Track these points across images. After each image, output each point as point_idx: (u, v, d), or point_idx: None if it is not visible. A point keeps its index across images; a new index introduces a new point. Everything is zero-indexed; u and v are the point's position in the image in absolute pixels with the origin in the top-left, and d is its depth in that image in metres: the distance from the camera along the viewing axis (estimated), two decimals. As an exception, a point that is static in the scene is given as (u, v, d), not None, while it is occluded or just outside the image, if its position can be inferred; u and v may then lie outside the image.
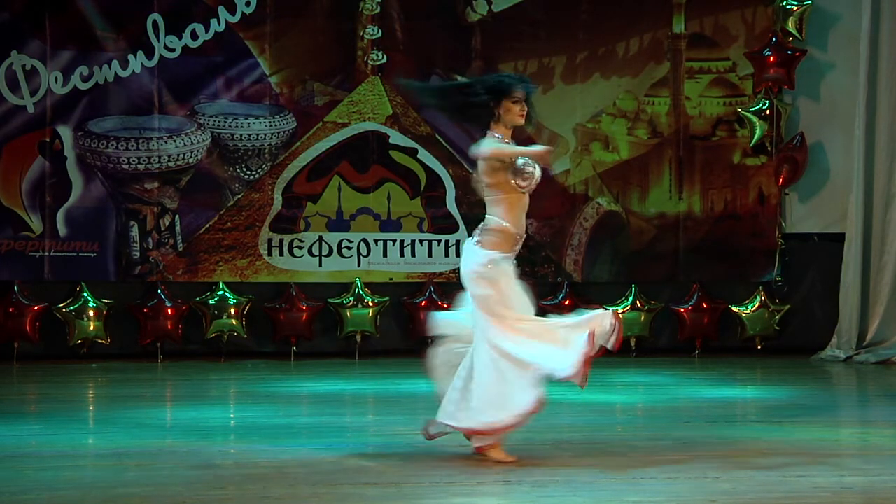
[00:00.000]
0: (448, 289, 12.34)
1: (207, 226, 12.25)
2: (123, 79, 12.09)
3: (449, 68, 12.46)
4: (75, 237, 12.06)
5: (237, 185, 12.28)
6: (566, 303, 12.24)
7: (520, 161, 6.85)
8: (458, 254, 12.30)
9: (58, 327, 12.08)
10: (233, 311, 12.19)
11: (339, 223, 12.39)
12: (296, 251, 12.34)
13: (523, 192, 6.88)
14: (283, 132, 12.32)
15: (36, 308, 12.00)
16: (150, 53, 12.11)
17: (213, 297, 12.19)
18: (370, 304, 12.30)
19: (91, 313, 12.06)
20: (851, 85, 12.49)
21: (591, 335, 6.69)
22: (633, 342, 12.55)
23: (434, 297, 12.29)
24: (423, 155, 12.39)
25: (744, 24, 12.78)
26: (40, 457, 7.12)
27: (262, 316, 12.35)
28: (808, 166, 12.74)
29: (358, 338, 12.31)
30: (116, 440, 7.69)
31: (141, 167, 12.12)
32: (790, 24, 12.64)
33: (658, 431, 8.03)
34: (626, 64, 12.67)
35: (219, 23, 12.18)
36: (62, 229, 12.03)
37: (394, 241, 12.42)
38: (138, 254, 12.16)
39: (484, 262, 6.83)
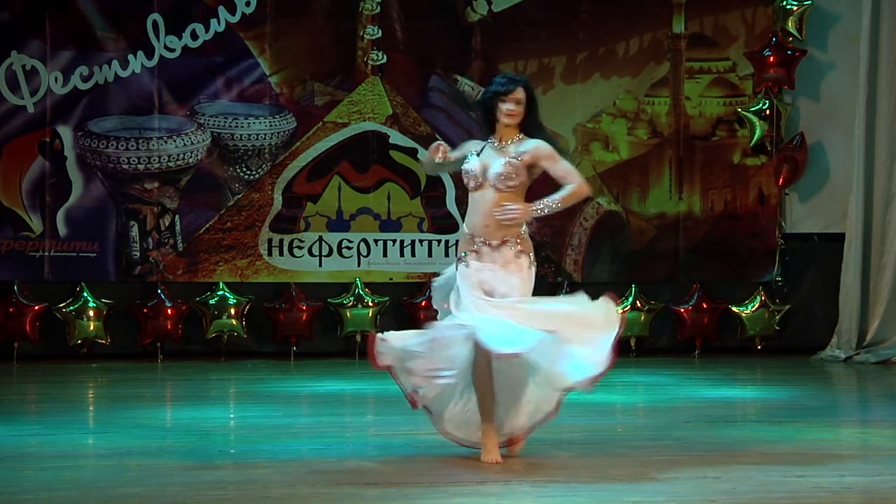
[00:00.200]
0: (448, 289, 12.36)
1: (207, 226, 12.25)
2: (123, 79, 12.09)
3: (449, 68, 12.46)
4: (75, 237, 12.06)
5: (237, 185, 12.28)
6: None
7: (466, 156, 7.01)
8: (457, 254, 12.30)
9: (58, 327, 12.08)
10: (233, 311, 12.20)
11: (339, 223, 12.40)
12: (296, 251, 12.35)
13: (472, 190, 6.96)
14: (283, 132, 12.32)
15: (36, 308, 12.01)
16: (150, 53, 12.11)
17: (213, 297, 12.19)
18: (370, 304, 12.30)
19: (91, 313, 12.06)
20: (851, 85, 12.50)
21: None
22: (633, 342, 12.56)
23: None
24: (423, 155, 12.37)
25: (744, 24, 12.78)
26: (40, 457, 7.12)
27: (262, 316, 12.36)
28: (808, 166, 12.74)
29: (358, 338, 12.31)
30: (116, 440, 7.69)
31: (141, 167, 12.12)
32: (790, 24, 12.65)
33: (658, 431, 8.03)
34: (626, 64, 12.67)
35: (219, 23, 12.18)
36: (62, 229, 12.03)
37: (394, 241, 12.43)
38: (138, 254, 12.16)
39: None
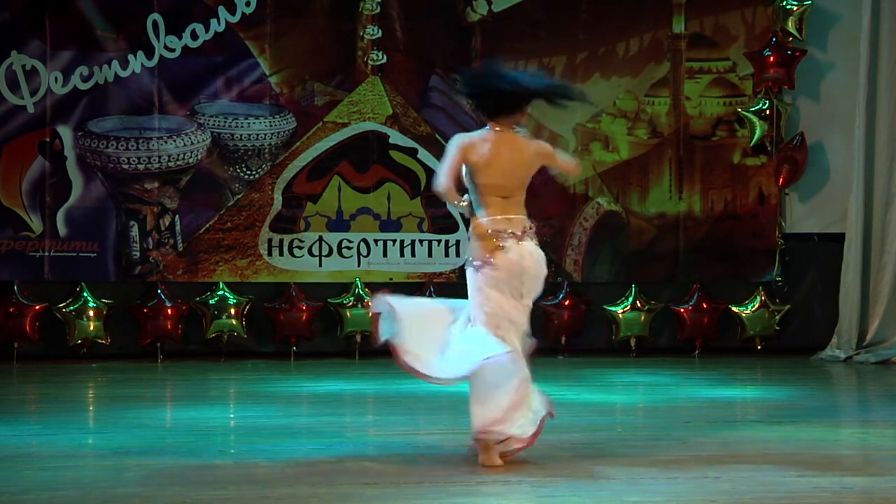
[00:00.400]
0: (448, 289, 12.34)
1: (207, 226, 12.25)
2: (123, 79, 12.09)
3: (449, 68, 12.46)
4: (75, 237, 12.06)
5: (237, 185, 12.28)
6: (566, 303, 12.26)
7: None
8: (457, 254, 12.33)
9: (58, 327, 12.08)
10: (233, 311, 12.19)
11: (339, 223, 12.39)
12: (296, 251, 12.35)
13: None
14: (283, 132, 12.32)
15: (36, 308, 12.00)
16: (150, 53, 12.11)
17: (213, 297, 12.19)
18: (370, 304, 12.29)
19: (91, 313, 12.06)
20: (851, 85, 12.49)
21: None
22: (633, 342, 12.57)
23: (434, 296, 12.28)
24: (423, 155, 12.39)
25: (744, 24, 12.78)
26: (40, 457, 7.12)
27: (262, 316, 12.36)
28: (808, 166, 12.74)
29: (358, 338, 12.30)
30: (116, 440, 7.68)
31: (141, 167, 12.12)
32: (790, 24, 12.64)
33: (658, 431, 8.02)
34: (626, 64, 12.67)
35: (219, 23, 12.18)
36: (62, 229, 12.03)
37: (394, 241, 12.43)
38: (138, 254, 12.16)
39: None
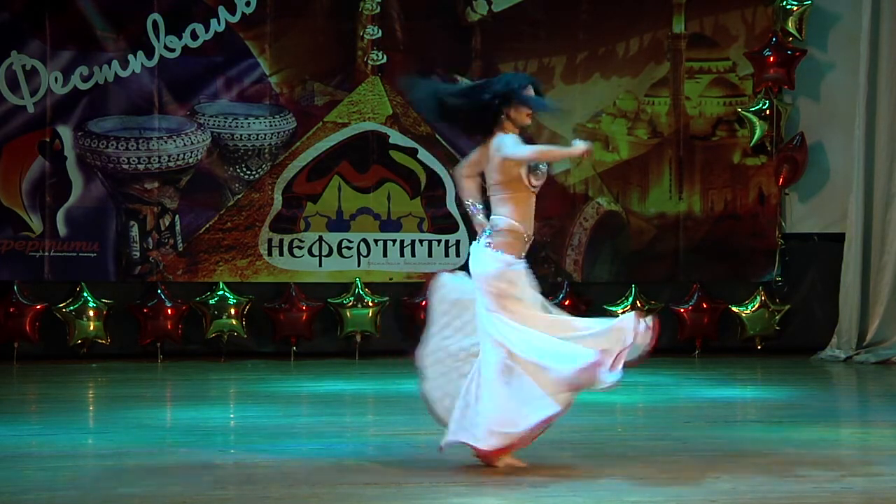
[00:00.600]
0: (448, 289, 12.35)
1: (207, 226, 12.25)
2: (123, 79, 12.09)
3: (449, 68, 12.46)
4: (75, 237, 12.06)
5: (237, 185, 12.28)
6: (566, 303, 12.25)
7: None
8: (457, 254, 12.33)
9: (58, 327, 12.08)
10: (233, 311, 12.19)
11: (339, 223, 12.39)
12: (296, 251, 12.34)
13: (534, 191, 6.73)
14: (283, 132, 12.32)
15: (36, 308, 12.00)
16: (150, 53, 12.11)
17: (213, 297, 12.19)
18: (370, 304, 12.30)
19: (91, 313, 12.06)
20: (851, 85, 12.49)
21: (614, 355, 6.62)
22: (633, 342, 12.55)
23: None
24: (423, 155, 12.39)
25: (744, 24, 12.78)
26: (40, 457, 7.12)
27: (262, 316, 12.36)
28: (808, 166, 12.74)
29: (358, 338, 12.31)
30: (116, 440, 7.69)
31: (141, 167, 12.12)
32: (790, 24, 12.64)
33: (658, 431, 8.03)
34: (626, 64, 12.67)
35: (219, 23, 12.18)
36: (62, 229, 12.03)
37: (394, 241, 12.43)
38: (138, 254, 12.16)
39: (501, 264, 6.64)
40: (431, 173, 12.43)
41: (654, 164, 12.73)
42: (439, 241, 12.45)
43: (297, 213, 12.34)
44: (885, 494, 6.16)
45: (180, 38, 12.14)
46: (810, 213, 12.93)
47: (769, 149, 12.74)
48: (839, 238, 12.58)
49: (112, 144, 12.08)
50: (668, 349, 12.70)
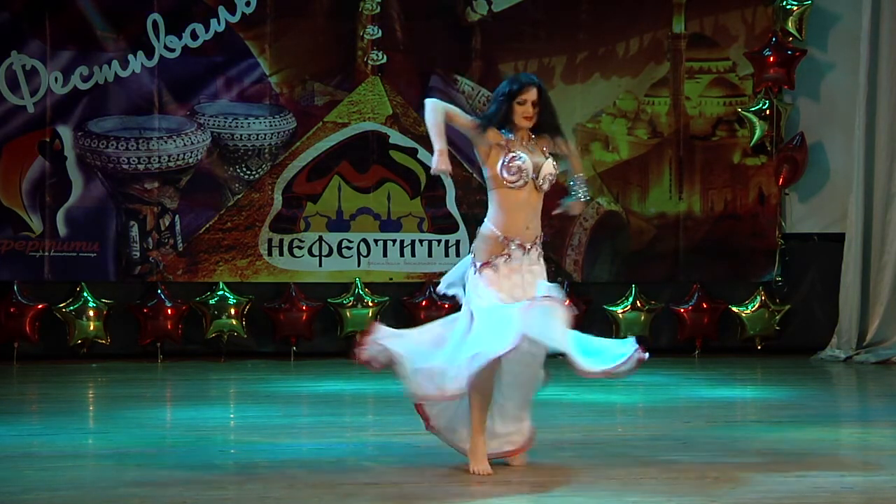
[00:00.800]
0: (448, 289, 12.35)
1: (207, 226, 12.25)
2: (123, 79, 12.10)
3: (449, 68, 12.47)
4: (75, 237, 12.06)
5: (237, 185, 12.29)
6: (566, 303, 12.22)
7: (511, 152, 6.65)
8: (457, 253, 12.35)
9: (58, 327, 12.08)
10: (233, 311, 12.20)
11: (339, 223, 12.40)
12: (296, 251, 12.35)
13: (511, 188, 6.60)
14: (283, 132, 12.32)
15: (36, 308, 12.00)
16: (150, 53, 12.11)
17: (213, 297, 12.20)
18: (370, 304, 12.30)
19: (91, 313, 12.06)
20: (851, 85, 12.50)
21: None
22: (633, 342, 12.56)
23: (434, 297, 12.29)
24: (423, 155, 12.39)
25: (744, 24, 12.78)
26: (41, 457, 7.12)
27: (262, 316, 12.36)
28: (808, 166, 12.75)
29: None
30: (116, 440, 7.68)
31: (141, 167, 12.12)
32: (790, 24, 12.65)
33: (658, 431, 8.02)
34: (626, 64, 12.67)
35: (219, 23, 12.18)
36: (62, 229, 12.03)
37: (394, 241, 12.43)
38: (138, 254, 12.16)
39: (472, 268, 6.62)
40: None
41: (654, 164, 12.74)
42: (439, 241, 12.45)
43: (297, 213, 12.34)
44: (885, 494, 6.16)
45: (180, 38, 12.15)
46: (810, 213, 12.94)
47: (769, 149, 12.74)
48: (839, 238, 12.58)
49: (112, 144, 12.08)
50: (668, 349, 12.73)
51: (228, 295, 12.19)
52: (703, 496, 6.07)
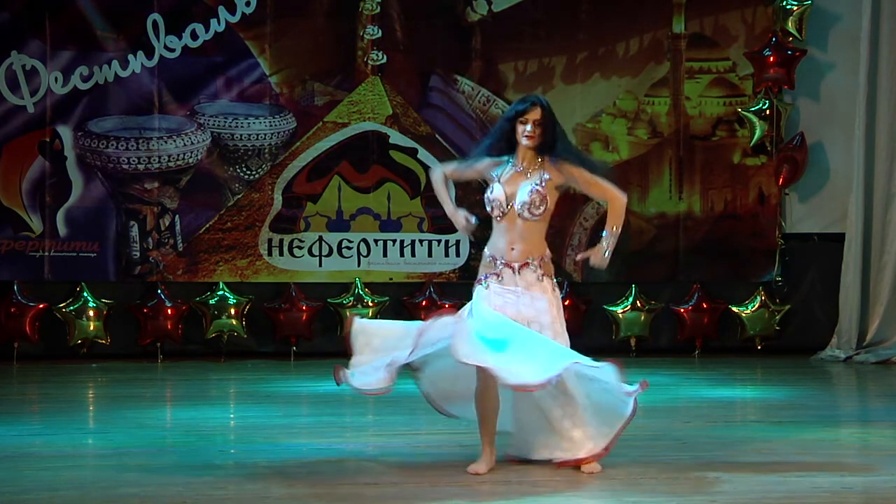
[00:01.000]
0: (448, 289, 12.36)
1: (207, 226, 12.25)
2: (123, 79, 12.09)
3: (449, 68, 12.47)
4: (75, 237, 12.06)
5: (237, 185, 12.29)
6: (566, 303, 12.24)
7: (490, 184, 6.85)
8: (457, 253, 12.37)
9: (58, 327, 12.08)
10: (233, 311, 12.20)
11: (339, 223, 12.40)
12: (296, 251, 12.35)
13: (496, 219, 6.80)
14: (283, 132, 12.32)
15: (36, 308, 12.00)
16: (150, 53, 12.11)
17: (213, 297, 12.20)
18: (370, 304, 12.30)
19: (91, 313, 12.06)
20: (851, 85, 12.49)
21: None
22: (633, 342, 12.57)
23: (434, 297, 12.30)
24: (423, 155, 12.39)
25: (744, 24, 12.78)
26: (41, 457, 7.12)
27: (262, 316, 12.36)
28: (808, 166, 12.74)
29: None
30: (116, 440, 7.69)
31: (141, 167, 12.12)
32: (790, 24, 12.65)
33: (658, 431, 8.02)
34: (626, 64, 12.67)
35: (219, 23, 12.18)
36: (62, 229, 12.03)
37: (394, 241, 12.43)
38: (138, 254, 12.16)
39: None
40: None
41: (654, 164, 12.74)
42: (439, 241, 12.45)
43: (297, 213, 12.34)
44: (885, 494, 6.16)
45: (180, 38, 12.15)
46: (810, 213, 12.93)
47: (769, 149, 12.74)
48: (839, 238, 12.58)
49: (112, 144, 12.08)
50: (668, 349, 12.73)
51: (228, 295, 12.20)
52: (703, 496, 6.08)
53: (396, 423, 8.35)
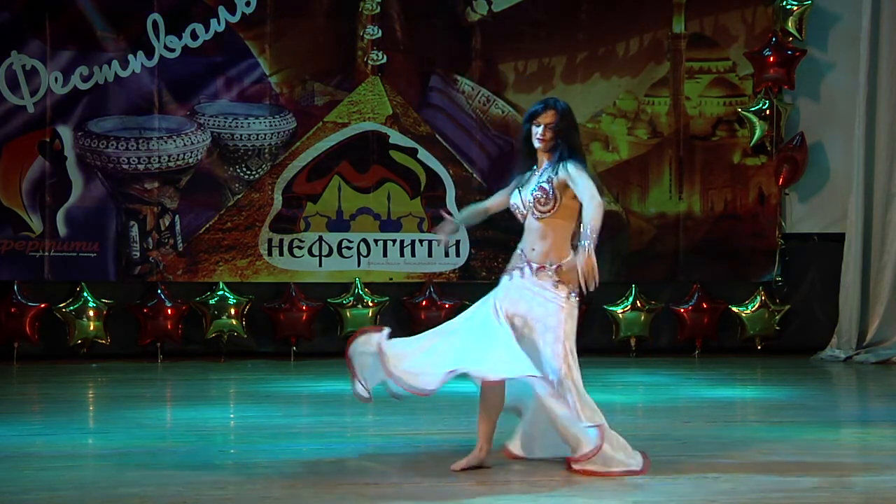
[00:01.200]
0: (448, 289, 12.37)
1: (207, 226, 12.25)
2: (123, 79, 12.10)
3: (449, 68, 12.47)
4: (75, 237, 12.06)
5: (237, 185, 12.29)
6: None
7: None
8: (457, 253, 12.37)
9: (58, 327, 12.08)
10: (233, 311, 12.20)
11: (339, 223, 12.40)
12: (296, 251, 12.35)
13: (520, 219, 6.90)
14: (283, 132, 12.32)
15: (36, 308, 12.01)
16: (150, 53, 12.11)
17: (213, 297, 12.20)
18: (370, 304, 12.30)
19: (91, 313, 12.06)
20: (851, 85, 12.50)
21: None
22: (633, 342, 12.57)
23: (434, 297, 12.30)
24: (423, 155, 12.39)
25: (744, 24, 12.78)
26: (41, 457, 7.12)
27: (262, 316, 12.36)
28: (808, 166, 12.75)
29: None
30: (116, 440, 7.69)
31: (141, 167, 12.12)
32: (790, 24, 12.65)
33: (658, 431, 8.02)
34: (626, 64, 12.67)
35: (219, 23, 12.18)
36: (62, 229, 12.03)
37: (394, 241, 12.43)
38: (138, 254, 12.16)
39: None
40: (431, 173, 12.44)
41: (654, 164, 12.74)
42: (439, 241, 12.43)
43: (297, 213, 12.34)
44: (885, 494, 6.16)
45: (180, 38, 12.15)
46: (810, 213, 12.94)
47: (769, 149, 12.74)
48: (839, 238, 12.58)
49: (112, 144, 12.08)
50: (668, 349, 12.73)
51: (228, 295, 12.20)
52: (703, 496, 6.08)
53: (396, 423, 8.35)
